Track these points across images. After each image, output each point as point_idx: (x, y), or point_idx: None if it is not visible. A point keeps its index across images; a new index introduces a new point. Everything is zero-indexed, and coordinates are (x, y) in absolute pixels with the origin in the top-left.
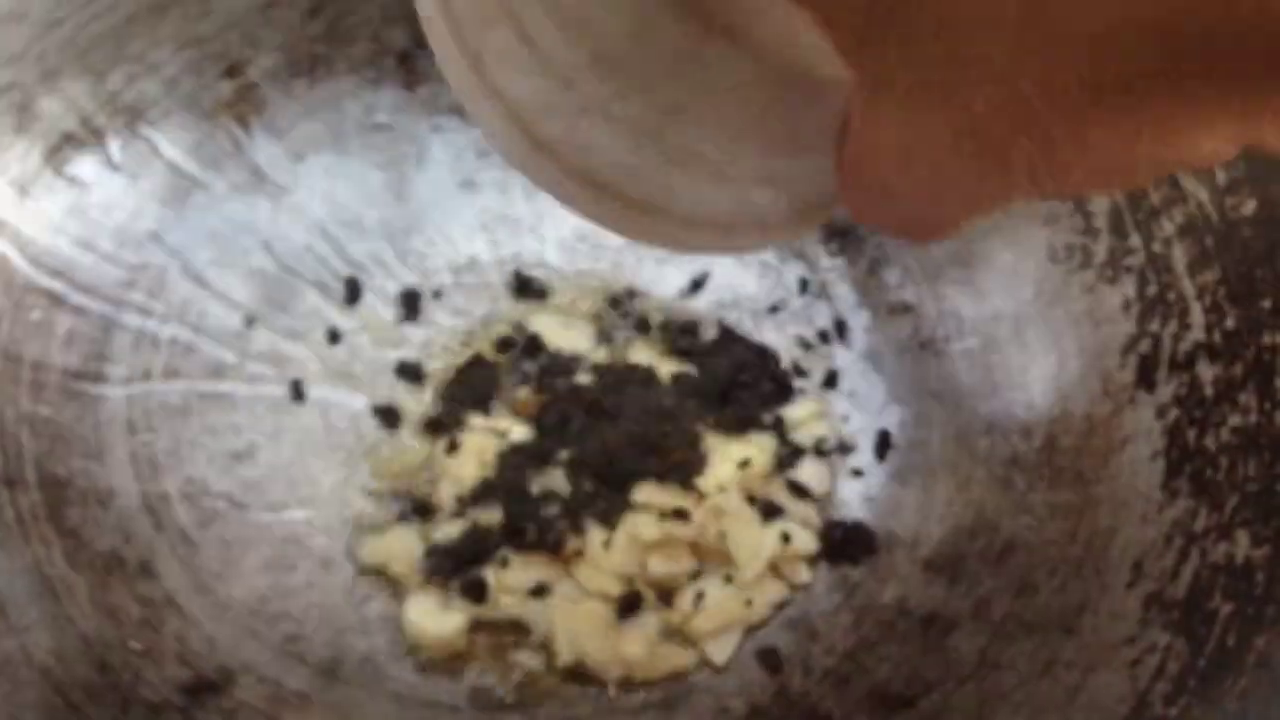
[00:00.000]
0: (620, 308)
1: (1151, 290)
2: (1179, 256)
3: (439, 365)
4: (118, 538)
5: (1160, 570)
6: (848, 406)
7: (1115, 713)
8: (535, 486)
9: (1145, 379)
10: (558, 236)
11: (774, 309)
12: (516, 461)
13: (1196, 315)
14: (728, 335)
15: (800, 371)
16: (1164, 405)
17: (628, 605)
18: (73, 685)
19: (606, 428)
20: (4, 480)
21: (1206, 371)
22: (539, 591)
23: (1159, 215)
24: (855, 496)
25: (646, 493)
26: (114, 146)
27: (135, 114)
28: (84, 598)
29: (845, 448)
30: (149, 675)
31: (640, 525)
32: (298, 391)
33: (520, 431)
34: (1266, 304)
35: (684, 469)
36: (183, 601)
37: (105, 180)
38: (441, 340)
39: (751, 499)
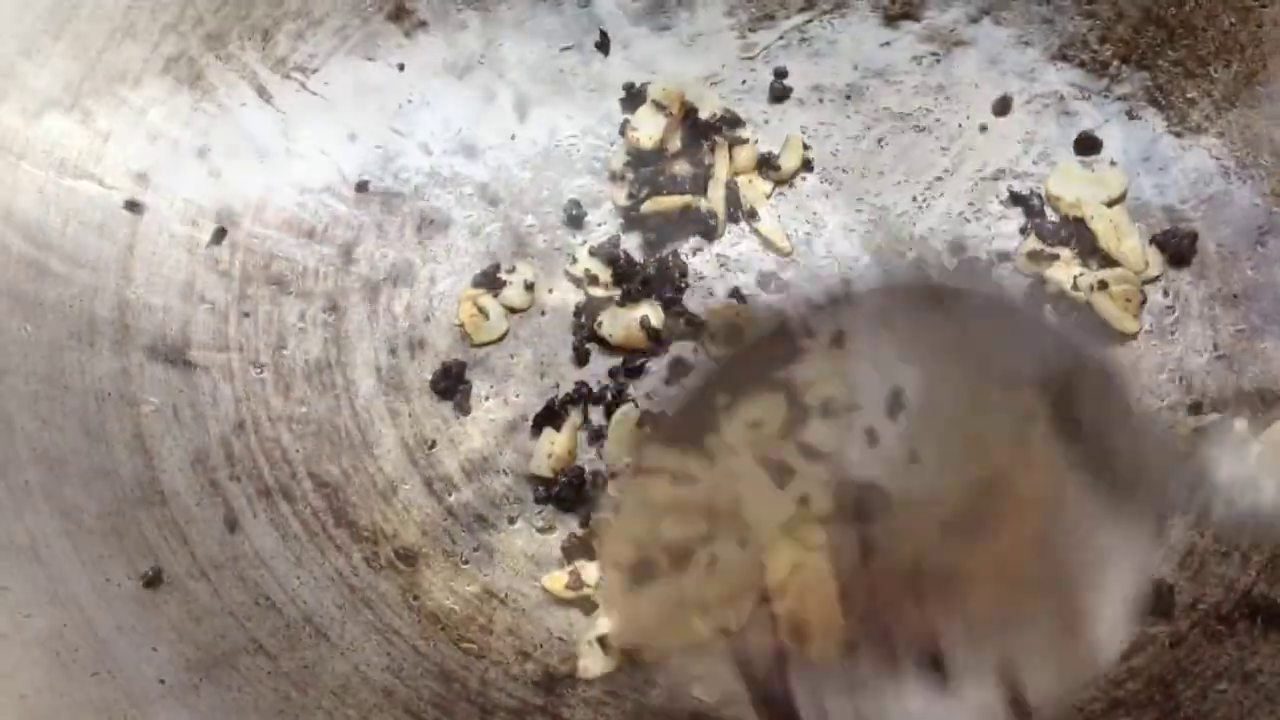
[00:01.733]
0: None
1: None
2: None
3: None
4: (413, 532)
5: None
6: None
7: None
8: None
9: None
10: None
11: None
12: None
13: None
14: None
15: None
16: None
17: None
18: (421, 702)
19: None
20: (280, 492)
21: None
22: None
23: None
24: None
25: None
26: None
27: (307, 71)
28: (398, 603)
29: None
30: (493, 677)
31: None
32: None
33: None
34: None
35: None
36: (501, 590)
37: (292, 145)
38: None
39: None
